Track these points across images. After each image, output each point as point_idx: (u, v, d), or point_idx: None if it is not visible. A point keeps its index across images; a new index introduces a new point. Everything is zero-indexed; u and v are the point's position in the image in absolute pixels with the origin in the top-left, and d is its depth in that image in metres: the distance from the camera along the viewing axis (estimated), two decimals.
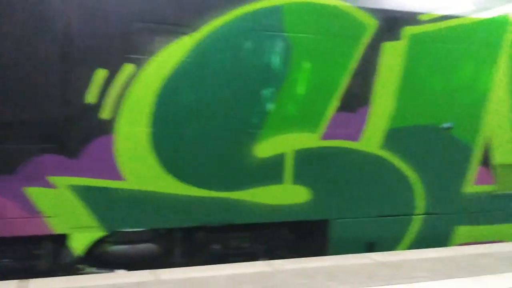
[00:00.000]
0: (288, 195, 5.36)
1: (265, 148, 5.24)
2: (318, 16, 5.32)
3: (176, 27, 4.87)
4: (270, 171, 5.28)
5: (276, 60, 5.21)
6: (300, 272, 4.63)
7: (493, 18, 6.02)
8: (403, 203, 5.83)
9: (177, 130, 4.96)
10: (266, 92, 5.21)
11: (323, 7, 5.33)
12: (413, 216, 5.88)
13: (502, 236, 6.29)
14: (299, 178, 5.37)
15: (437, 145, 5.92)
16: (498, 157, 6.21)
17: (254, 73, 5.14)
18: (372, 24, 5.53)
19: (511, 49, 6.10)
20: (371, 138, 5.62)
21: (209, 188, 5.12)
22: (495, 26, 6.04)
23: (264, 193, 5.27)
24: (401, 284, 4.33)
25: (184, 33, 4.89)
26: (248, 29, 5.09)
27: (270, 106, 5.23)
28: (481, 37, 5.98)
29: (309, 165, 5.41)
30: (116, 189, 4.82)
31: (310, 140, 5.39)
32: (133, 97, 4.79)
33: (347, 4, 5.43)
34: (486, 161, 6.16)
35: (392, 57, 5.64)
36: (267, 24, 5.16)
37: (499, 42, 6.07)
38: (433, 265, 4.93)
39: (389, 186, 5.75)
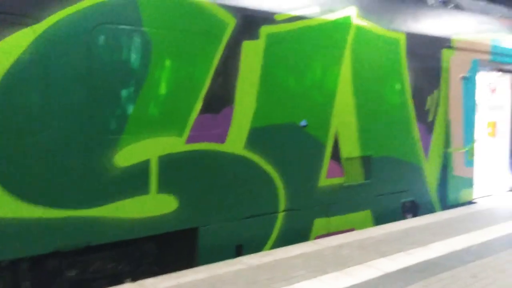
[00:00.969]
0: (154, 206, 4.89)
1: (127, 156, 4.69)
2: (178, 11, 4.97)
3: (14, 16, 4.02)
4: (134, 181, 4.75)
5: (134, 57, 4.70)
6: None
7: (337, 20, 6.39)
8: (268, 202, 5.83)
9: (18, 139, 4.12)
10: (125, 93, 4.67)
11: (183, 1, 4.99)
12: (277, 214, 5.93)
13: (352, 224, 6.77)
14: (166, 186, 4.96)
15: (295, 142, 6.06)
16: (345, 151, 6.64)
17: (111, 71, 4.56)
18: (231, 22, 5.37)
19: (353, 49, 6.57)
20: (236, 139, 5.48)
21: (61, 206, 4.37)
22: (339, 27, 6.42)
23: (127, 207, 4.72)
24: (285, 286, 4.27)
25: (23, 24, 4.07)
26: (101, 21, 4.48)
27: (131, 109, 4.70)
28: (327, 38, 6.30)
29: (176, 171, 5.03)
30: None
31: (175, 144, 5.00)
32: None
33: (207, 0, 5.17)
34: (335, 155, 6.53)
35: (252, 56, 5.57)
36: (122, 17, 4.61)
37: (343, 43, 6.48)
38: (305, 261, 5.01)
39: (254, 186, 5.69)
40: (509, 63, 9.26)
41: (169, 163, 4.96)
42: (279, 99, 5.87)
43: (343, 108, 6.57)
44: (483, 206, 8.13)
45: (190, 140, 5.10)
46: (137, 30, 4.69)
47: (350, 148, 6.73)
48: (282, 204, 5.97)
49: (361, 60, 6.74)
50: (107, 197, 4.60)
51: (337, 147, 6.55)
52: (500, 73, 9.46)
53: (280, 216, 5.96)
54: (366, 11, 6.84)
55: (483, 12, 9.56)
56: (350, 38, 6.56)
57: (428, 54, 7.71)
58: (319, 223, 6.39)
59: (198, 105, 5.15)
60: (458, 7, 9.09)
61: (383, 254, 5.28)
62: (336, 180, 6.56)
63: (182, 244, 5.33)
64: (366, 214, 6.97)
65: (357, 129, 6.77)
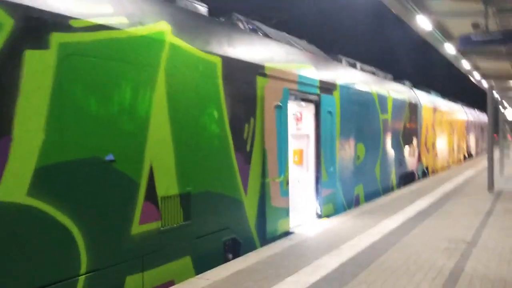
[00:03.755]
0: None
1: None
2: None
3: None
4: None
5: None
6: None
7: (149, 34, 5.40)
8: (64, 264, 4.40)
9: None
10: None
11: None
12: (77, 278, 4.52)
13: (170, 276, 5.69)
14: None
15: (99, 182, 4.79)
16: (161, 189, 5.60)
17: None
18: (7, 23, 3.93)
19: (167, 70, 5.63)
20: (15, 183, 3.97)
21: None
22: (152, 44, 5.43)
23: None
24: None
25: None
26: None
27: None
28: (138, 54, 5.25)
29: None
30: None
31: None
32: None
33: None
34: (151, 195, 5.44)
35: (39, 70, 4.18)
36: None
37: (156, 62, 5.50)
38: None
39: (43, 245, 4.22)
40: (312, 93, 9.48)
41: None
42: (77, 127, 4.56)
43: (158, 137, 5.55)
44: (299, 237, 7.91)
45: None
46: None
47: (167, 185, 5.71)
48: (84, 265, 4.59)
49: (177, 83, 5.85)
50: None
51: (153, 184, 5.48)
52: (305, 102, 9.64)
53: (81, 280, 4.56)
54: (180, 28, 6.01)
55: (287, 43, 9.69)
56: (164, 57, 5.62)
57: (244, 80, 7.25)
58: (131, 281, 5.16)
59: None
60: (266, 35, 8.99)
61: None
62: (152, 225, 5.46)
63: None
64: (186, 261, 5.99)
65: (174, 162, 5.81)
